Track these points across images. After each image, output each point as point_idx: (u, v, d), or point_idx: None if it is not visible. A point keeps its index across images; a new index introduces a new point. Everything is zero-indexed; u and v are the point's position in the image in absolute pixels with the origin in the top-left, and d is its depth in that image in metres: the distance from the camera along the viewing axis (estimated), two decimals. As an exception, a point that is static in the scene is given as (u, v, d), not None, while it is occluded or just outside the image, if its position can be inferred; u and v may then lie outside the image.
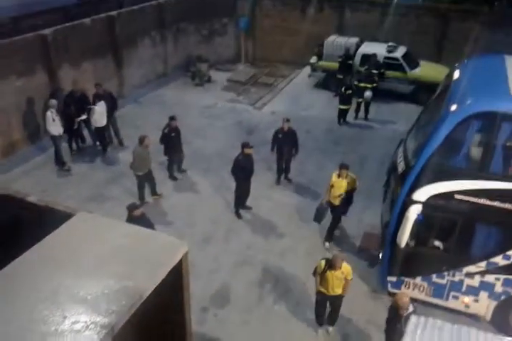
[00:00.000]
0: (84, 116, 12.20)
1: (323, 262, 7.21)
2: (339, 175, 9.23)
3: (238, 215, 10.51)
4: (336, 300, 7.49)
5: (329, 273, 7.08)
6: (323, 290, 7.32)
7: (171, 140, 11.18)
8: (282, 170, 11.69)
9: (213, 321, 7.90)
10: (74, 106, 12.06)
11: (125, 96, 15.72)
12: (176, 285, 5.10)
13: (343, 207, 9.62)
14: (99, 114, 12.12)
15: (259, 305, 8.29)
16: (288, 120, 11.23)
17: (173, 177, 11.75)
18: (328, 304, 7.61)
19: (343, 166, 9.22)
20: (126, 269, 4.55)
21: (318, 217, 9.62)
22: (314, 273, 7.40)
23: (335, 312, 7.65)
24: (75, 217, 5.23)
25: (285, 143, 11.20)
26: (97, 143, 12.87)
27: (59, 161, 11.89)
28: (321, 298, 7.50)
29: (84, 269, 4.54)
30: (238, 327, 7.82)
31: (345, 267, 7.13)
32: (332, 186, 9.29)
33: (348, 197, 9.50)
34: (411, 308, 6.31)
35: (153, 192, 10.90)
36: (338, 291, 7.29)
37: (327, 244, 9.65)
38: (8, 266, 4.46)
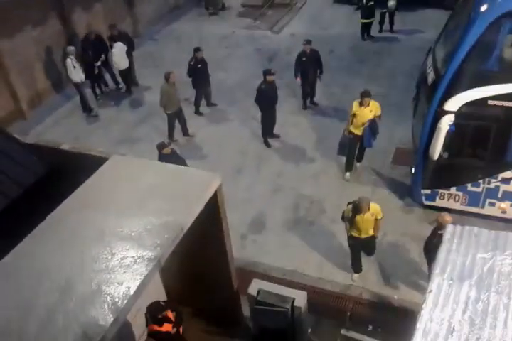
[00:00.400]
0: (101, 60, 12.07)
1: (349, 207, 6.97)
2: (361, 104, 8.60)
3: (267, 144, 10.54)
4: (370, 242, 7.36)
5: (358, 217, 6.88)
6: (354, 234, 7.13)
7: (198, 72, 11.02)
8: (307, 94, 11.46)
9: (253, 246, 8.25)
10: (91, 51, 11.93)
11: (141, 34, 15.34)
12: (213, 216, 5.32)
13: (367, 137, 8.87)
14: (119, 56, 11.95)
15: (297, 228, 8.57)
16: (309, 41, 10.82)
17: (199, 113, 11.73)
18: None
19: (365, 93, 8.56)
20: (165, 205, 4.75)
21: (342, 150, 9.21)
22: (343, 218, 7.21)
23: (372, 250, 7.60)
24: (109, 160, 5.40)
25: (309, 65, 10.85)
26: (120, 85, 12.85)
27: (86, 108, 12.00)
28: (354, 242, 7.29)
29: (125, 209, 4.76)
30: (278, 249, 8.16)
31: (374, 207, 6.92)
32: (354, 115, 8.71)
33: (373, 127, 8.78)
34: None
35: (185, 133, 10.89)
36: (371, 232, 7.12)
37: (358, 164, 9.53)
38: (54, 211, 4.72)
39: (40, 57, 12.37)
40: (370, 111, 8.62)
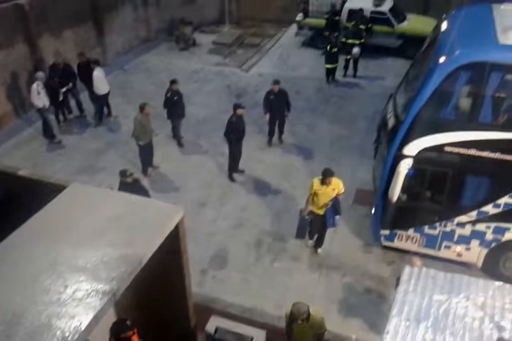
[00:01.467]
0: (67, 88, 11.98)
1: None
2: (323, 182, 7.83)
3: (232, 179, 10.57)
4: None
5: (294, 326, 5.82)
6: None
7: (174, 104, 11.10)
8: (274, 131, 11.66)
9: (212, 282, 8.10)
10: (58, 77, 11.83)
11: (109, 64, 15.38)
12: (173, 250, 5.20)
13: (330, 218, 8.15)
14: (99, 80, 11.91)
15: (258, 264, 8.48)
16: (277, 81, 11.11)
17: (180, 144, 11.69)
18: None
19: (328, 172, 7.75)
20: (123, 237, 4.62)
21: (301, 233, 8.46)
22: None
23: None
24: (68, 188, 5.26)
25: (277, 104, 11.12)
26: (84, 113, 12.72)
27: (48, 134, 11.76)
28: None
29: (81, 239, 4.60)
30: (238, 285, 8.03)
31: (315, 318, 5.76)
32: (315, 194, 7.96)
33: (335, 205, 8.08)
34: None
35: (150, 164, 10.71)
36: None
37: (319, 250, 8.69)
38: (6, 239, 4.51)
39: (4, 81, 12.17)
40: (332, 189, 7.89)
